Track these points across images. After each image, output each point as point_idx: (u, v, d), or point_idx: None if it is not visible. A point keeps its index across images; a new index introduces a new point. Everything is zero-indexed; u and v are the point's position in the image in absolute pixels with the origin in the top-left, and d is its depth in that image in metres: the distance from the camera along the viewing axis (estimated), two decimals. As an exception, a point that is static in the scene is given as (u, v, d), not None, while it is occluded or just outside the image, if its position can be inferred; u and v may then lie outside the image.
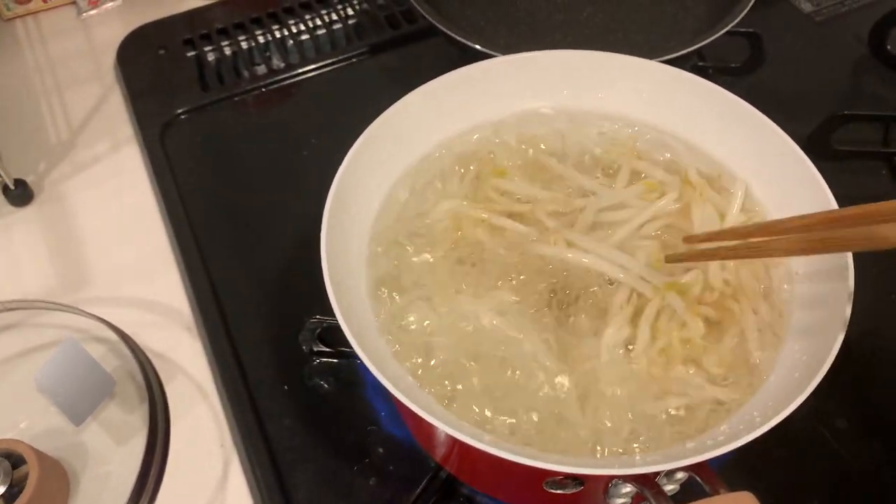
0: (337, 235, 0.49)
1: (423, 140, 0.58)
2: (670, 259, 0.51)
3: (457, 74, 0.56)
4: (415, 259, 0.53)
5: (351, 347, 0.42)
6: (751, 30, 0.77)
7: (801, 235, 0.44)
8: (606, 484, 0.43)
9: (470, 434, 0.40)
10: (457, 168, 0.58)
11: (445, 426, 0.39)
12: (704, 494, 0.39)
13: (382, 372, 0.41)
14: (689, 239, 0.51)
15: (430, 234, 0.54)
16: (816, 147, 0.74)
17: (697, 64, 0.81)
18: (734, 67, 0.80)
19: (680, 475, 0.42)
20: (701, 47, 0.71)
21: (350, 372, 0.63)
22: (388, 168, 0.56)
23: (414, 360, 0.48)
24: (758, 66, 0.79)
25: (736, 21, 0.71)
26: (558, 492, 0.45)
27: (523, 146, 0.59)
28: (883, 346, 0.64)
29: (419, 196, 0.56)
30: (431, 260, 0.53)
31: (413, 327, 0.50)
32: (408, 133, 0.56)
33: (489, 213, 0.55)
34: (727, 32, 0.72)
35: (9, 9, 0.91)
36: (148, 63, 0.86)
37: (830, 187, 0.53)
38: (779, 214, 0.54)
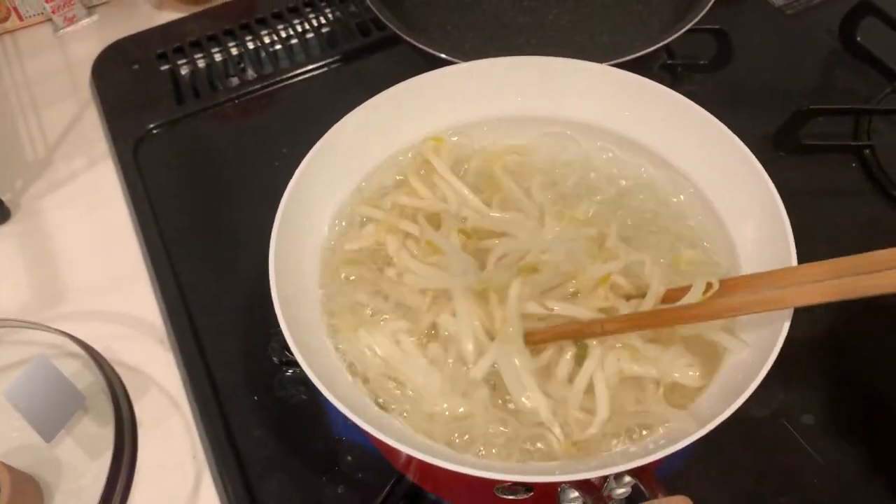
0: (287, 253, 0.50)
1: (372, 154, 0.58)
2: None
3: (399, 88, 0.57)
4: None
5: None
6: (716, 26, 0.77)
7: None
8: (556, 490, 0.43)
9: (412, 444, 0.40)
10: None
11: (383, 435, 0.40)
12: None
13: (324, 382, 0.42)
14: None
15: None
16: (784, 142, 0.75)
17: (667, 62, 0.81)
18: (703, 64, 0.80)
19: (628, 478, 0.43)
20: (665, 45, 0.71)
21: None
22: (337, 183, 0.57)
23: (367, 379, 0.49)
24: (726, 62, 0.79)
25: (698, 18, 0.71)
26: (510, 497, 0.45)
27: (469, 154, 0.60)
28: (846, 342, 0.64)
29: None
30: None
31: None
32: (353, 150, 0.57)
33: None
34: (694, 30, 0.72)
35: (-14, 28, 0.92)
36: (122, 78, 0.87)
37: (798, 181, 0.54)
38: (728, 216, 0.53)
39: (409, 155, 0.59)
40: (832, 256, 0.47)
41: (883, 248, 0.69)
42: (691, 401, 0.45)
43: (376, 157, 0.58)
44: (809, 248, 0.48)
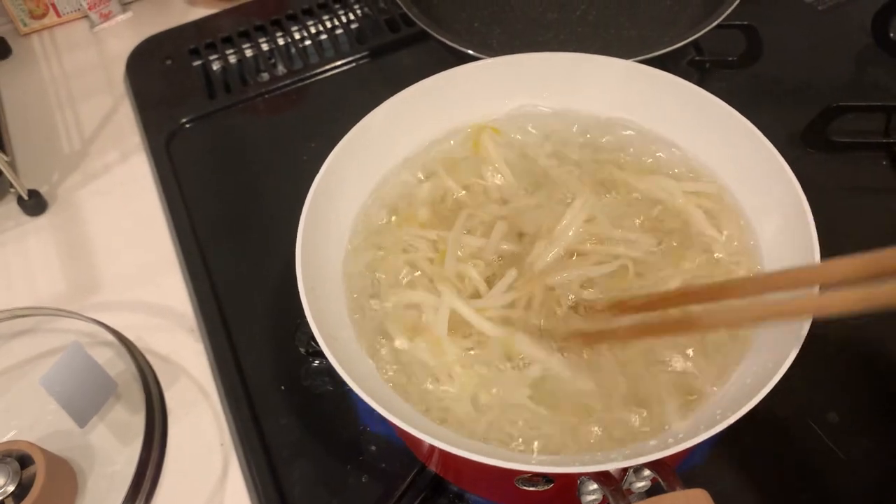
0: (314, 246, 0.51)
1: (399, 148, 0.59)
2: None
3: (426, 83, 0.58)
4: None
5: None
6: (745, 22, 0.76)
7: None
8: (576, 481, 0.44)
9: (435, 435, 0.41)
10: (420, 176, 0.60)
11: (418, 431, 0.41)
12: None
13: (349, 373, 0.43)
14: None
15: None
16: (813, 139, 0.74)
17: (695, 58, 0.80)
18: (731, 61, 0.80)
19: (647, 472, 0.43)
20: (694, 41, 0.71)
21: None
22: (366, 174, 0.57)
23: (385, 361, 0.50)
24: (755, 59, 0.78)
25: (727, 13, 0.71)
26: (530, 489, 0.46)
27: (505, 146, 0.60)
28: (872, 339, 0.63)
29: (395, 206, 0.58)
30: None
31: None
32: (383, 142, 0.58)
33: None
34: (722, 26, 0.72)
35: (25, 24, 0.94)
36: (155, 73, 0.89)
37: (827, 178, 0.53)
38: (753, 215, 0.53)
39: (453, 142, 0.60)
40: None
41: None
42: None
43: (403, 151, 0.59)
44: (837, 246, 0.47)
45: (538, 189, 0.57)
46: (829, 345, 0.59)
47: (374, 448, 0.60)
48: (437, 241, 0.55)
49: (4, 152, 0.78)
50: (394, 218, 0.56)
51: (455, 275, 0.52)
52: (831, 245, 0.47)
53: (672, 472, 0.39)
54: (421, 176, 0.59)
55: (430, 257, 0.54)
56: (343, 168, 0.55)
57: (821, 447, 0.59)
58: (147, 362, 0.64)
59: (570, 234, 0.52)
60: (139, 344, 0.67)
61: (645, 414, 0.46)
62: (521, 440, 0.46)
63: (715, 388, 0.46)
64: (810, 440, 0.59)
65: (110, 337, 0.65)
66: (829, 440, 0.59)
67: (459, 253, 0.53)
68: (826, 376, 0.61)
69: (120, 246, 0.76)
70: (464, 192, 0.58)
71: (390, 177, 0.59)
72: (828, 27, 0.86)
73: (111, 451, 0.62)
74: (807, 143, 0.74)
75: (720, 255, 0.53)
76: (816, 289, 0.43)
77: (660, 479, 0.40)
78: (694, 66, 0.81)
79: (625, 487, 0.43)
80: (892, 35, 0.82)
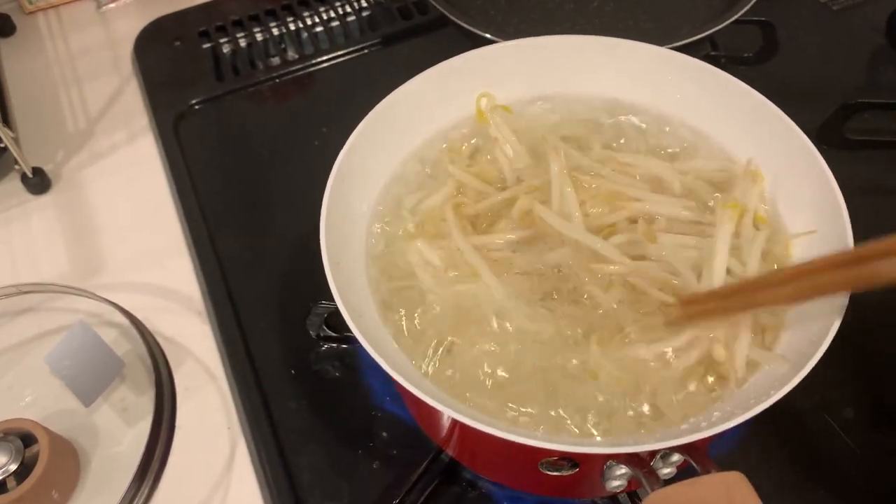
0: (338, 219, 0.50)
1: (424, 126, 0.58)
2: (670, 323, 0.49)
3: (456, 60, 0.57)
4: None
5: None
6: (762, 19, 0.76)
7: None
8: (602, 466, 0.43)
9: (463, 412, 0.40)
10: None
11: (441, 405, 0.40)
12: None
13: (378, 350, 0.42)
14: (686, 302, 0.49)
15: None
16: (829, 136, 0.74)
17: (710, 53, 0.80)
18: (747, 57, 0.80)
19: (675, 458, 0.42)
20: (711, 35, 0.70)
21: (356, 357, 0.63)
22: (390, 151, 0.56)
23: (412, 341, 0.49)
24: (771, 56, 0.78)
25: (745, 9, 0.70)
26: (554, 474, 0.45)
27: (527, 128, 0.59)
28: (891, 336, 0.63)
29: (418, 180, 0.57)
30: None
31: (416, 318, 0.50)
32: (407, 120, 0.57)
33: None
34: (739, 21, 0.72)
35: (31, 2, 0.93)
36: (164, 55, 0.88)
37: (843, 176, 0.52)
38: (786, 209, 0.53)
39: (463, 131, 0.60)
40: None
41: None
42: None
43: (425, 131, 0.58)
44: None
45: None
46: (848, 340, 0.59)
47: (385, 434, 0.59)
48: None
49: (10, 128, 0.77)
50: (416, 200, 0.56)
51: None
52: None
53: (706, 454, 0.39)
54: (445, 158, 0.58)
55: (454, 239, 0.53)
56: (367, 146, 0.54)
57: (836, 442, 0.58)
58: (156, 342, 0.63)
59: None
60: (145, 325, 0.65)
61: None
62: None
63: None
64: (826, 434, 0.59)
65: (118, 317, 0.64)
66: (845, 435, 0.58)
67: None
68: (843, 373, 0.61)
69: (125, 227, 0.74)
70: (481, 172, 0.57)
71: (412, 157, 0.58)
72: (842, 27, 0.86)
73: (116, 432, 0.61)
74: (822, 140, 0.74)
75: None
76: None
77: (693, 463, 0.39)
78: (709, 60, 0.78)
79: (653, 468, 0.42)
80: (906, 36, 0.82)
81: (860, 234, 0.50)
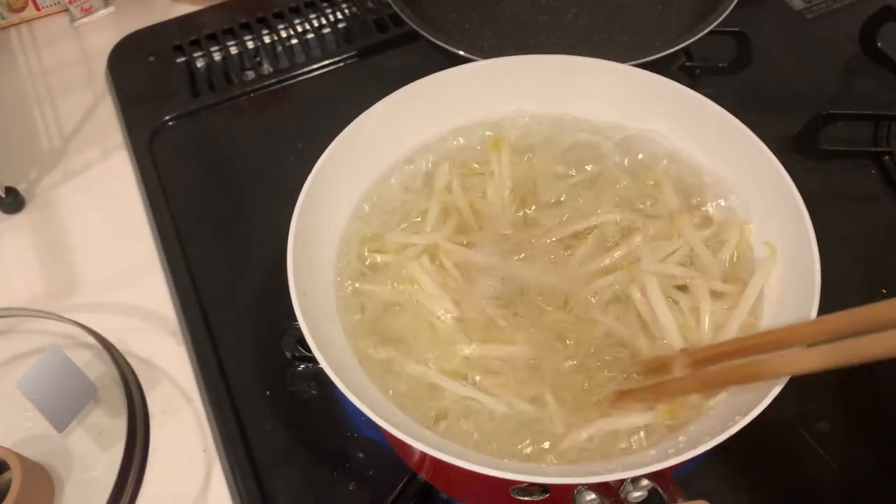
0: (305, 247, 0.50)
1: (391, 149, 0.58)
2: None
3: (422, 83, 0.57)
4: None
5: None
6: (736, 29, 0.76)
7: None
8: (572, 492, 0.43)
9: (435, 445, 0.40)
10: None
11: (410, 439, 0.40)
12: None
13: (347, 381, 0.42)
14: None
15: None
16: (803, 147, 0.74)
17: (685, 64, 0.80)
18: (722, 67, 0.80)
19: (645, 482, 0.42)
20: (686, 47, 0.70)
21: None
22: (358, 176, 0.56)
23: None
24: (745, 66, 0.78)
25: (719, 20, 0.71)
26: (525, 499, 0.45)
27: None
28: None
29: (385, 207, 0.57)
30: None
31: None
32: (375, 144, 0.57)
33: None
34: (714, 32, 0.72)
35: (3, 17, 0.92)
36: (138, 70, 0.87)
37: (816, 186, 0.53)
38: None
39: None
40: (849, 263, 0.46)
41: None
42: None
43: (394, 153, 0.58)
44: (826, 253, 0.48)
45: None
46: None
47: (361, 455, 0.59)
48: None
49: (-19, 148, 0.76)
50: (387, 221, 0.55)
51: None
52: (820, 252, 0.47)
53: (673, 482, 0.39)
54: (417, 181, 0.58)
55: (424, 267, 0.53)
56: (336, 169, 0.54)
57: (812, 456, 0.58)
58: (129, 365, 0.62)
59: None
60: (119, 347, 0.65)
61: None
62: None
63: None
64: (801, 449, 0.59)
65: (90, 339, 0.63)
66: (821, 449, 0.59)
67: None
68: (817, 386, 0.61)
69: (100, 246, 0.74)
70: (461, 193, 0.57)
71: (383, 179, 0.58)
72: (817, 36, 0.86)
73: (90, 457, 0.60)
74: (796, 149, 0.74)
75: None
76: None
77: (660, 491, 0.39)
78: (684, 71, 0.80)
79: (622, 496, 0.42)
80: (879, 45, 0.82)
81: (837, 242, 0.50)
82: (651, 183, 0.56)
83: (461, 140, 0.60)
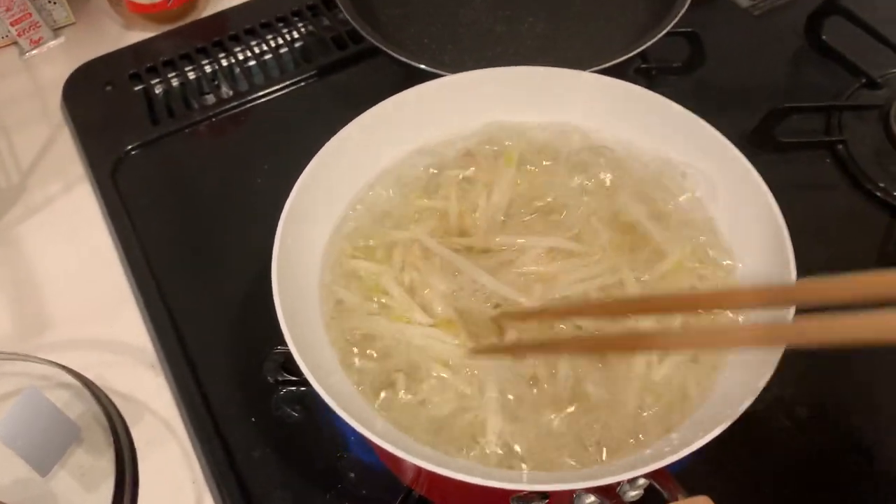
0: (289, 267, 0.50)
1: (368, 168, 0.58)
2: None
3: (394, 100, 0.57)
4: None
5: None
6: (689, 29, 0.78)
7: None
8: (570, 497, 0.43)
9: (424, 457, 0.40)
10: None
11: (406, 454, 0.40)
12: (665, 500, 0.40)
13: (339, 402, 0.42)
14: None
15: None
16: (761, 140, 0.76)
17: (641, 66, 0.82)
18: (676, 67, 0.81)
19: (642, 481, 0.43)
20: (642, 51, 0.72)
21: (316, 399, 0.62)
22: (336, 195, 0.56)
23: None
24: (699, 65, 0.80)
25: (673, 23, 0.72)
26: (525, 506, 0.45)
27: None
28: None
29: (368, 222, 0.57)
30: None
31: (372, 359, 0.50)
32: (349, 164, 0.57)
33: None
34: (668, 33, 0.73)
35: (-51, 53, 0.90)
36: (95, 100, 0.85)
37: (777, 178, 0.54)
38: (719, 214, 0.55)
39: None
40: (813, 251, 0.49)
41: (859, 240, 0.71)
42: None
43: (371, 171, 0.58)
44: (793, 242, 0.50)
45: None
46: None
47: (353, 475, 0.59)
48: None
49: (-63, 189, 0.74)
50: (370, 242, 0.56)
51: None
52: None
53: (672, 480, 0.39)
54: (391, 193, 0.58)
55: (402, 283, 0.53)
56: (315, 188, 0.54)
57: (794, 442, 0.60)
58: (111, 402, 0.61)
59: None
60: (98, 383, 0.64)
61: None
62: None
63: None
64: (783, 435, 0.60)
65: (66, 378, 0.62)
66: (801, 434, 0.60)
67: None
68: (794, 371, 0.62)
69: (69, 281, 0.72)
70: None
71: (364, 196, 0.58)
72: (764, 31, 0.89)
73: (75, 499, 0.59)
74: (754, 144, 0.76)
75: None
76: (791, 311, 0.44)
77: (660, 489, 0.40)
78: (641, 73, 0.82)
79: (620, 494, 0.43)
80: (824, 37, 0.85)
81: (797, 230, 0.52)
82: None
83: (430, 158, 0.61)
